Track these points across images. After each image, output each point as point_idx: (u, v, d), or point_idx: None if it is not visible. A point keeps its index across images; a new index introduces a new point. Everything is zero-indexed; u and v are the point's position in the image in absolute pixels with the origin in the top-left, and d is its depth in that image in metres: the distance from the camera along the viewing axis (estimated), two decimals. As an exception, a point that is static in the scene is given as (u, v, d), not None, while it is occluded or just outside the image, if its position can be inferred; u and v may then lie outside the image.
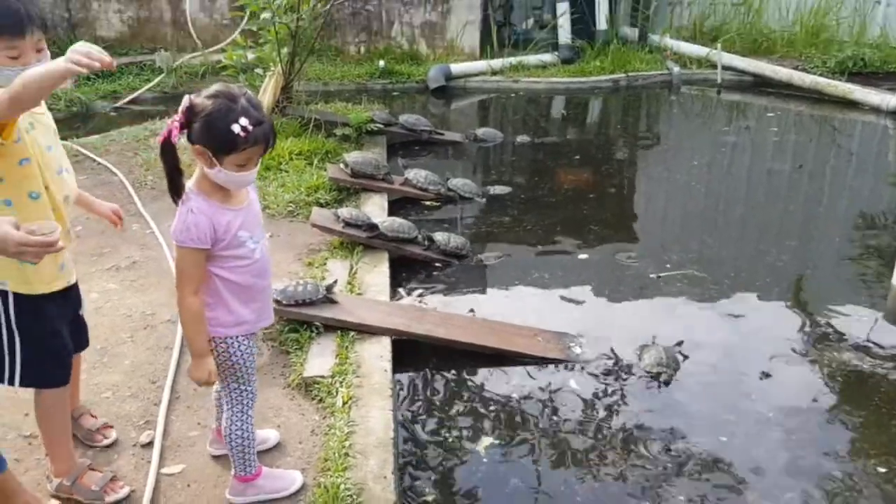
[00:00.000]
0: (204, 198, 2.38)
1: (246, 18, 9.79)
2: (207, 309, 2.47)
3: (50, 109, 2.69)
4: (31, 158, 2.42)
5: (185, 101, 2.28)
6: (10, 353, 2.53)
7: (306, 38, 7.62)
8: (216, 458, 2.98)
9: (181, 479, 2.89)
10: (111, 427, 3.13)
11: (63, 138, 3.03)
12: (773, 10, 11.81)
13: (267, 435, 3.07)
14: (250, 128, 2.24)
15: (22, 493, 2.56)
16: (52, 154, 2.53)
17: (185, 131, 2.30)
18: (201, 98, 2.28)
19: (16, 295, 2.49)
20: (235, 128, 2.22)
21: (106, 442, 3.06)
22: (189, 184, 2.42)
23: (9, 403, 2.59)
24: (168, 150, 2.31)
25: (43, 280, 2.53)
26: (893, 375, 3.87)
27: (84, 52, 2.14)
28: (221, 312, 2.50)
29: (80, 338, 2.89)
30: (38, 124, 2.50)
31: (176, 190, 2.37)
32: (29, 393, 2.71)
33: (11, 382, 2.56)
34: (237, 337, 2.55)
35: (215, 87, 2.31)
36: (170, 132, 2.26)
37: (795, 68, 10.39)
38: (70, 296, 2.71)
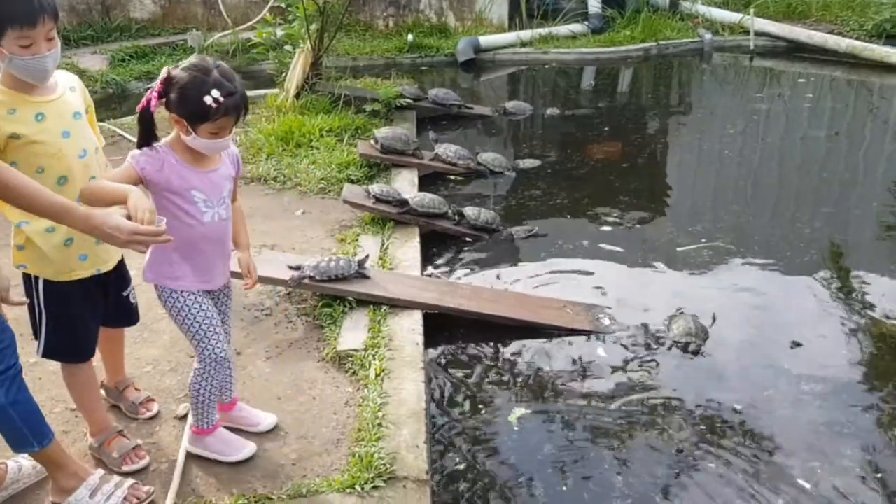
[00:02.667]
0: (172, 152, 2.54)
1: (275, -4, 9.86)
2: (153, 257, 2.63)
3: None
4: (40, 148, 2.48)
5: (164, 72, 2.45)
6: (39, 326, 2.70)
7: (335, 13, 7.65)
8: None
9: (221, 450, 2.98)
10: (153, 400, 3.25)
11: (100, 120, 3.12)
12: (808, -27, 11.55)
13: (260, 418, 3.11)
14: (222, 99, 2.38)
15: (70, 463, 2.67)
16: (69, 140, 2.56)
17: (164, 101, 2.45)
18: (178, 70, 2.44)
19: (44, 279, 2.62)
20: (207, 99, 2.36)
21: (148, 415, 3.17)
22: (163, 140, 2.57)
23: (56, 378, 2.71)
24: (145, 117, 2.48)
25: (62, 270, 2.63)
26: (927, 344, 3.84)
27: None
28: (164, 263, 2.63)
29: (126, 316, 3.02)
30: (50, 112, 2.52)
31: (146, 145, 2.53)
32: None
33: (38, 352, 2.74)
34: (179, 292, 2.66)
35: (191, 60, 2.48)
36: (149, 101, 2.43)
37: (831, 32, 10.17)
38: (107, 281, 2.81)
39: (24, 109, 2.47)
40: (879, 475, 2.99)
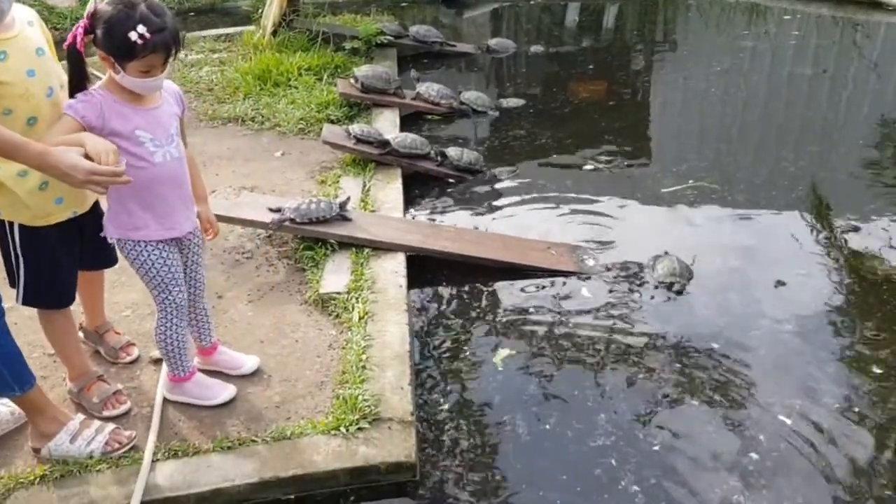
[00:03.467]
0: (109, 93, 2.42)
1: (249, -71, 9.53)
2: (111, 210, 2.56)
3: (55, 29, 2.63)
4: (5, 90, 2.34)
5: (90, 6, 2.32)
6: (17, 274, 2.63)
7: (312, -53, 7.41)
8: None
9: (203, 393, 2.96)
10: (134, 345, 3.21)
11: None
12: None
13: (242, 361, 3.09)
14: (148, 35, 2.26)
15: (50, 408, 2.65)
16: (35, 79, 2.42)
17: (92, 37, 2.33)
18: (103, 4, 2.31)
19: (20, 226, 2.54)
20: (132, 35, 2.25)
21: (128, 359, 3.14)
22: (98, 83, 2.47)
23: (32, 322, 2.66)
24: (73, 55, 2.36)
25: (38, 215, 2.54)
26: (909, 282, 3.86)
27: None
28: (122, 214, 2.56)
29: (103, 257, 2.94)
30: (13, 50, 2.37)
31: (78, 91, 2.42)
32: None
33: (17, 300, 2.67)
34: (140, 242, 2.59)
35: None
36: (75, 37, 2.33)
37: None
38: (84, 223, 2.73)
39: None
40: (857, 409, 3.02)
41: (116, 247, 2.65)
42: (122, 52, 2.30)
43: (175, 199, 2.62)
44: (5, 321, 2.39)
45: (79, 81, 2.41)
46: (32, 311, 2.79)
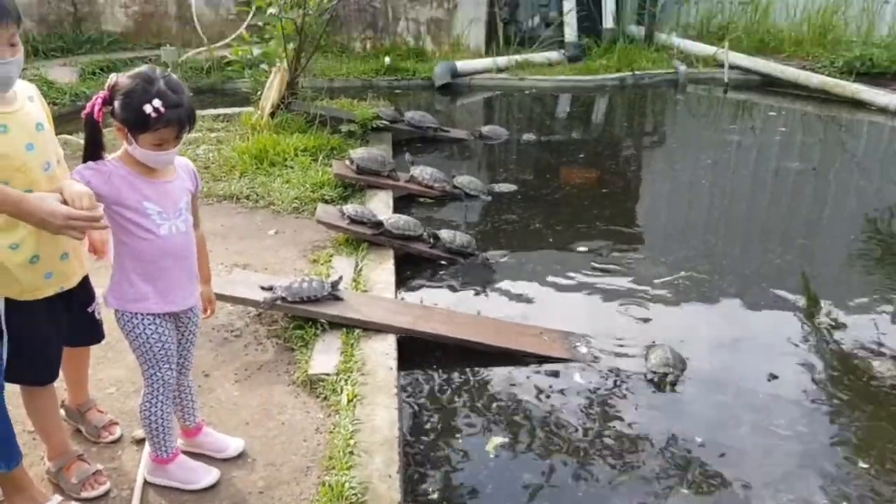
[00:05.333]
0: (122, 164, 2.47)
1: (252, 14, 9.81)
2: (113, 280, 2.57)
3: (54, 104, 2.66)
4: (8, 161, 2.35)
5: (111, 79, 2.41)
6: (0, 349, 2.54)
7: (312, 33, 7.61)
8: (210, 457, 2.97)
9: (185, 476, 2.86)
10: (117, 424, 3.12)
11: (68, 132, 3.05)
12: (781, 9, 11.77)
13: (227, 443, 3.01)
14: (163, 109, 2.33)
15: (30, 487, 2.56)
16: (34, 153, 2.43)
17: (110, 108, 2.40)
18: (124, 77, 2.40)
19: (6, 299, 2.49)
20: (147, 108, 2.32)
21: (110, 439, 3.05)
22: (113, 154, 2.51)
23: (13, 397, 2.59)
24: (91, 124, 2.43)
25: (26, 289, 2.50)
26: (901, 378, 3.84)
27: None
28: (124, 284, 2.56)
29: (89, 334, 2.89)
30: (13, 124, 2.39)
31: (92, 159, 2.47)
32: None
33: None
34: (137, 314, 2.57)
35: (139, 69, 2.44)
36: (93, 106, 2.40)
37: (803, 68, 10.35)
38: (72, 298, 2.70)
39: None
40: (856, 510, 2.96)
41: (114, 317, 2.61)
42: (136, 124, 2.36)
43: (178, 273, 2.60)
44: (3, 400, 2.34)
45: (94, 150, 2.45)
46: (14, 386, 2.72)
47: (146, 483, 2.81)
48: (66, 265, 2.60)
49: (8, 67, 2.31)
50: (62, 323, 2.69)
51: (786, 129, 8.86)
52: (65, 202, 2.22)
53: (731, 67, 10.63)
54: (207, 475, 2.83)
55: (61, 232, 2.21)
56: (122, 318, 2.59)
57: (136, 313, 2.57)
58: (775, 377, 3.82)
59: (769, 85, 10.46)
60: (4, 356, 2.54)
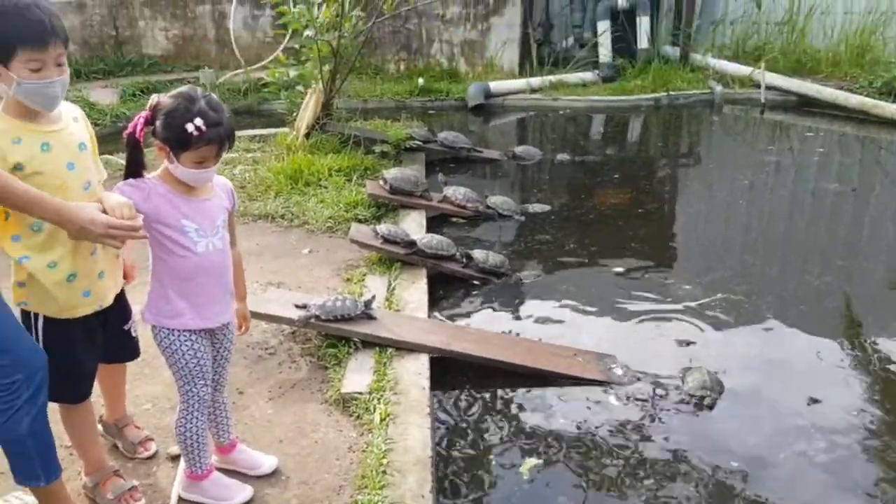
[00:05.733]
0: (162, 182, 2.51)
1: (288, 36, 9.96)
2: (150, 296, 2.61)
3: (95, 125, 2.72)
4: (43, 179, 2.39)
5: (153, 99, 2.46)
6: None
7: (347, 55, 7.69)
8: (243, 474, 2.97)
9: (219, 493, 2.87)
10: (152, 440, 3.14)
11: (108, 153, 3.10)
12: (818, 29, 11.63)
13: (261, 461, 3.01)
14: (204, 128, 2.37)
15: (67, 501, 2.58)
16: (74, 172, 2.49)
17: (152, 128, 2.45)
18: (166, 97, 2.45)
19: (45, 316, 2.53)
20: (189, 126, 2.36)
21: (146, 454, 3.07)
22: (153, 173, 2.55)
23: (54, 414, 2.62)
24: (132, 143, 2.47)
25: (64, 308, 2.54)
26: (948, 403, 3.74)
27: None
28: (161, 300, 2.59)
29: (126, 351, 2.93)
30: (56, 143, 2.45)
31: (133, 178, 2.51)
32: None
33: None
34: (174, 331, 2.60)
35: (180, 89, 2.48)
36: (136, 126, 2.45)
37: (841, 88, 10.20)
38: (109, 316, 2.73)
39: (30, 139, 2.38)
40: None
41: (151, 333, 2.64)
42: (178, 143, 2.40)
43: (214, 290, 2.63)
44: (46, 410, 2.38)
45: (135, 168, 2.50)
46: (52, 405, 2.75)
47: (181, 499, 2.82)
48: (102, 284, 2.64)
49: (54, 87, 2.36)
50: (98, 341, 2.72)
51: (824, 150, 8.73)
52: (104, 212, 2.26)
53: (768, 88, 10.52)
54: (241, 492, 2.83)
55: (101, 241, 2.25)
56: (159, 334, 2.62)
57: (172, 329, 2.59)
58: (816, 401, 3.73)
59: (806, 105, 10.32)
60: None
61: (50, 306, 2.52)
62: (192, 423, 2.71)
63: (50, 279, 2.47)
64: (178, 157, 2.43)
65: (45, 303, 2.52)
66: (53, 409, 2.74)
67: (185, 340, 2.61)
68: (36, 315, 2.54)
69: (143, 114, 2.45)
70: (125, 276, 2.85)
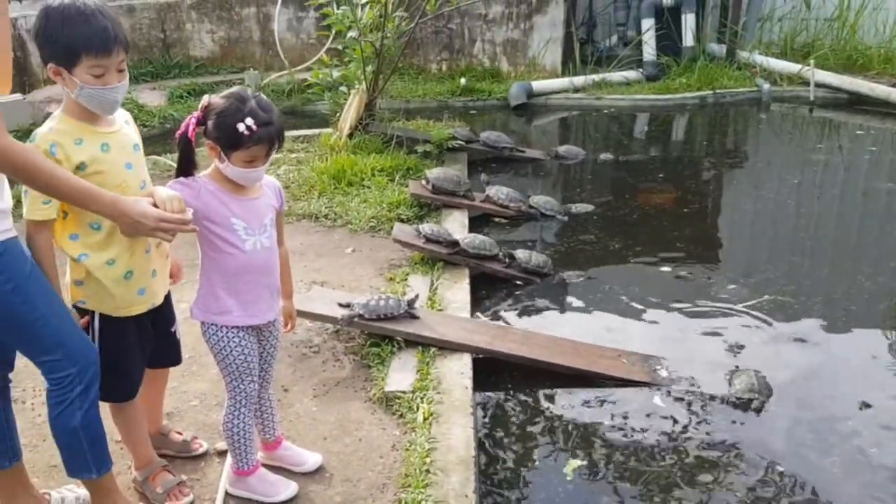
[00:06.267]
0: (212, 181, 2.55)
1: (332, 38, 10.04)
2: (199, 293, 2.65)
3: (144, 126, 2.78)
4: (104, 178, 2.46)
5: (204, 99, 2.50)
6: None
7: (390, 56, 7.72)
8: (288, 471, 3.00)
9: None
10: (197, 438, 3.18)
11: (157, 154, 3.18)
12: (869, 25, 11.33)
13: (305, 458, 3.04)
14: (255, 127, 2.41)
15: (117, 495, 2.64)
16: (132, 172, 2.57)
17: (203, 127, 2.49)
18: (217, 98, 2.49)
19: (101, 314, 2.59)
20: (241, 126, 2.39)
21: (201, 450, 3.11)
22: (203, 172, 2.60)
23: (104, 409, 2.68)
24: (185, 142, 2.51)
25: (120, 305, 2.59)
26: None
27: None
28: (209, 297, 2.62)
29: (170, 355, 2.96)
30: (114, 144, 2.52)
31: (184, 176, 2.55)
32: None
33: None
34: (222, 327, 2.63)
35: (231, 89, 2.53)
36: (188, 126, 2.48)
37: (894, 86, 9.93)
38: (157, 317, 2.78)
39: (90, 139, 2.46)
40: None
41: (200, 330, 2.69)
42: (229, 142, 2.44)
43: (261, 288, 2.66)
44: (98, 404, 2.44)
45: (186, 167, 2.55)
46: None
47: (227, 495, 2.86)
48: (155, 282, 2.69)
49: (115, 92, 2.44)
50: (148, 341, 2.77)
51: (875, 149, 8.51)
52: (155, 206, 2.31)
53: (818, 85, 10.28)
54: (287, 489, 2.86)
55: (153, 234, 2.30)
56: (208, 331, 2.66)
57: (220, 326, 2.63)
58: (868, 406, 3.64)
59: (857, 103, 10.07)
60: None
61: (107, 304, 2.58)
62: (239, 420, 2.75)
63: (108, 276, 2.53)
64: (228, 156, 2.47)
65: (103, 301, 2.57)
66: (105, 404, 2.80)
67: (233, 337, 2.64)
68: (92, 313, 2.59)
69: (195, 114, 2.49)
70: (172, 276, 2.89)
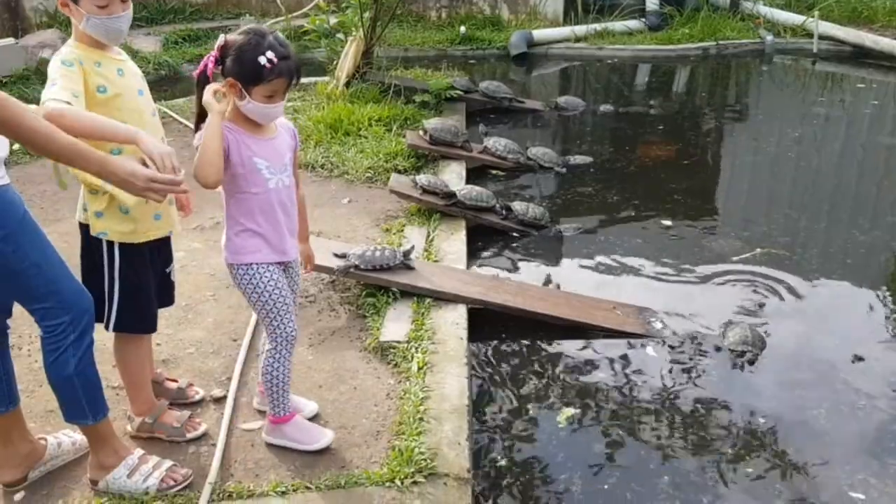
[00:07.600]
0: (231, 123, 2.53)
1: (329, -17, 9.84)
2: (227, 237, 2.65)
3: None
4: (122, 101, 2.55)
5: (221, 39, 2.48)
6: (110, 299, 2.68)
7: (388, 2, 7.60)
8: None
9: (259, 436, 2.93)
10: (193, 385, 3.21)
11: (154, 100, 3.11)
12: (876, -24, 11.17)
13: (302, 405, 3.04)
14: (276, 60, 2.41)
15: (114, 440, 2.66)
16: (144, 97, 2.66)
17: (220, 67, 2.48)
18: (234, 35, 2.48)
19: (121, 244, 2.63)
20: (262, 59, 2.39)
21: (197, 397, 3.13)
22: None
23: (99, 356, 2.69)
24: (203, 83, 2.49)
25: (138, 230, 2.64)
26: None
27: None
28: (237, 239, 2.63)
29: (165, 295, 2.96)
30: (127, 70, 2.62)
31: (203, 120, 2.51)
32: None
33: (107, 327, 2.72)
34: (252, 265, 2.63)
35: (248, 26, 2.51)
36: (206, 66, 2.48)
37: (898, 38, 9.82)
38: (162, 250, 2.82)
39: (107, 64, 2.56)
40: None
41: (230, 274, 2.69)
42: (250, 77, 2.43)
43: (284, 225, 2.68)
44: (93, 350, 2.45)
45: (204, 110, 2.51)
46: (100, 343, 2.82)
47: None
48: (171, 209, 2.77)
49: (120, 21, 2.54)
50: (157, 274, 2.81)
51: (878, 103, 8.44)
52: (144, 164, 2.28)
53: (822, 38, 10.16)
54: (323, 437, 2.86)
55: (143, 194, 2.28)
56: (238, 272, 2.65)
57: (250, 264, 2.63)
58: (860, 359, 3.67)
59: (861, 56, 9.97)
60: (116, 303, 2.68)
61: (126, 226, 2.62)
62: (280, 363, 2.74)
63: (129, 197, 2.51)
64: (249, 91, 2.45)
65: (123, 222, 2.61)
66: (101, 349, 2.82)
67: (265, 273, 2.64)
68: (111, 245, 2.63)
69: (212, 53, 2.48)
70: (181, 208, 2.93)
